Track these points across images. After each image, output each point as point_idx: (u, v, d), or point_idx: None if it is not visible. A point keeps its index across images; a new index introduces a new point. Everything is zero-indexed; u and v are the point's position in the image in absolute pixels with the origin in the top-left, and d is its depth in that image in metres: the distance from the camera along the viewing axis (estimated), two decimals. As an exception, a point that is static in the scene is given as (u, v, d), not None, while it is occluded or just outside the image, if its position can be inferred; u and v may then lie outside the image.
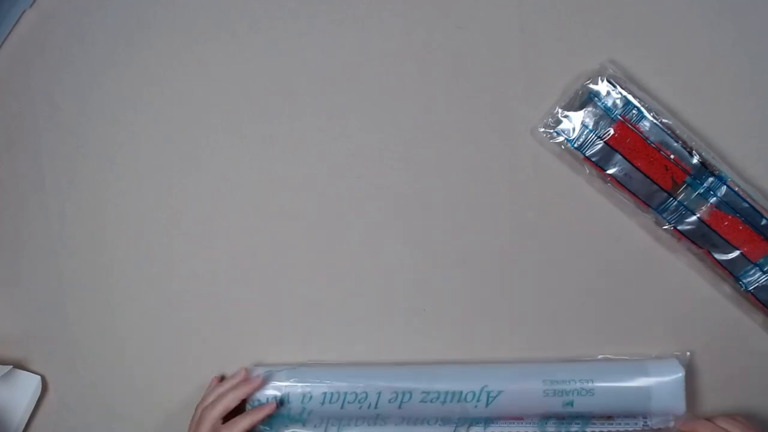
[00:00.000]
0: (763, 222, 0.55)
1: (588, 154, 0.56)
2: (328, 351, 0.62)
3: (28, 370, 0.65)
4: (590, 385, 0.56)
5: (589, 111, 0.55)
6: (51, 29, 0.62)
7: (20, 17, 0.62)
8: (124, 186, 0.63)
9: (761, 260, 0.55)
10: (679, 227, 0.56)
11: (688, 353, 0.58)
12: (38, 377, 0.64)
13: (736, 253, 0.56)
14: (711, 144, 0.57)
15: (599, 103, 0.55)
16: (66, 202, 0.64)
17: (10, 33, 0.63)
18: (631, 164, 0.55)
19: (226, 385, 0.59)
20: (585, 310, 0.60)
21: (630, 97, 0.55)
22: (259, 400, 0.58)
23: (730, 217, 0.55)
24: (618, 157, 0.55)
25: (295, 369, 0.59)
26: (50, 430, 0.66)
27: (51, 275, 0.64)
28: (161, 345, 0.64)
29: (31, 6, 0.62)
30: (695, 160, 0.54)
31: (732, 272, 0.56)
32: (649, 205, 0.56)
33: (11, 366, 0.64)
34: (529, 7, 0.58)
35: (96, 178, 0.63)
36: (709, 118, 0.57)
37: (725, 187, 0.55)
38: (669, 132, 0.54)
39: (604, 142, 0.55)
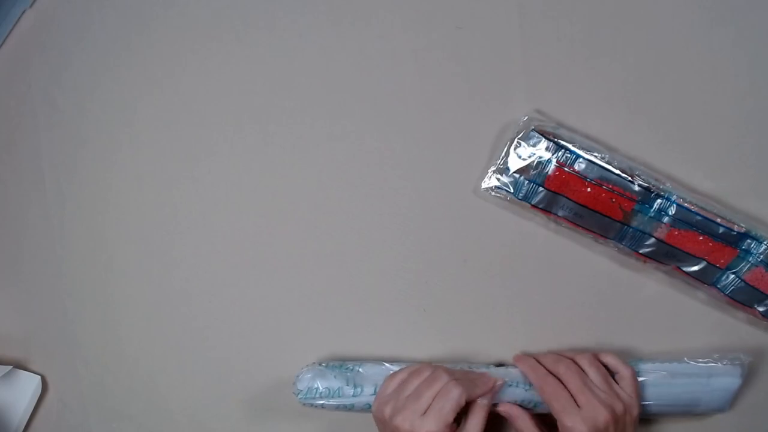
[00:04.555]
0: (721, 230, 0.54)
1: (534, 202, 0.56)
2: (326, 351, 0.62)
3: (28, 370, 0.65)
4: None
5: (522, 163, 0.55)
6: (51, 29, 0.62)
7: (20, 17, 0.62)
8: (124, 186, 0.63)
9: (731, 263, 0.55)
10: (641, 251, 0.56)
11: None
12: (38, 377, 0.64)
13: (703, 263, 0.55)
14: (650, 165, 0.56)
15: (531, 155, 0.55)
16: (66, 202, 0.64)
17: (10, 33, 0.63)
18: (578, 204, 0.55)
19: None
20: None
21: (561, 142, 0.54)
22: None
23: (686, 232, 0.54)
24: (563, 199, 0.55)
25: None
26: (50, 430, 0.66)
27: (51, 275, 0.64)
28: (161, 345, 0.64)
29: (31, 6, 0.62)
30: (636, 186, 0.54)
31: (705, 281, 0.56)
32: (606, 237, 0.56)
33: (11, 366, 0.64)
34: (529, 7, 0.58)
35: (96, 178, 0.63)
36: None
37: (675, 205, 0.54)
38: (604, 165, 0.54)
39: (546, 188, 0.55)
